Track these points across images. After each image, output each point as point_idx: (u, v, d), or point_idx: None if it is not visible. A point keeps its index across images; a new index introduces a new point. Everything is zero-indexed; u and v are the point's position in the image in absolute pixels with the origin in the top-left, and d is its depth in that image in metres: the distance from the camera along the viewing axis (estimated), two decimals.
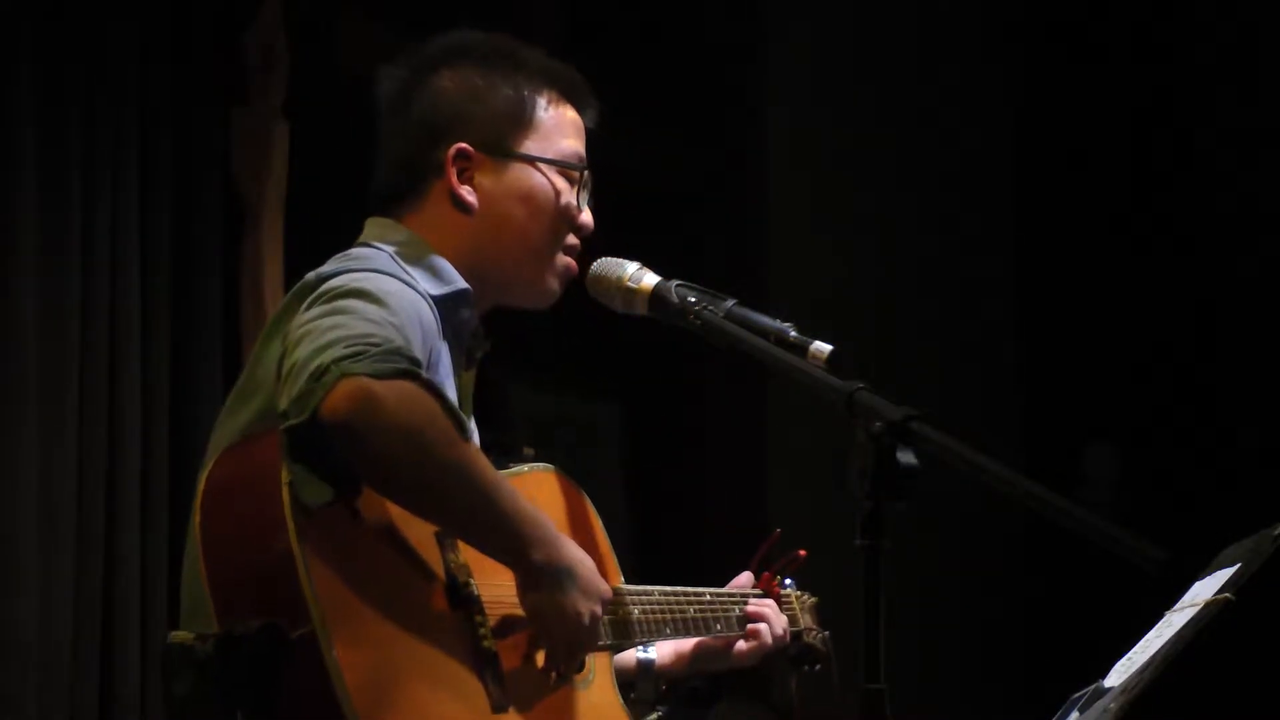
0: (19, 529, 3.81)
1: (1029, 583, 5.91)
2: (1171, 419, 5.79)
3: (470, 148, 2.52)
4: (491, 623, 2.32)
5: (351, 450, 2.13)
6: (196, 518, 2.22)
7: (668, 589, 2.71)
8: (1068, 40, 6.07)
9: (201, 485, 2.23)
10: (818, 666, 3.04)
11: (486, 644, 2.30)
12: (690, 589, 2.77)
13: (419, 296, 2.39)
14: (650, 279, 2.56)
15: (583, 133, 2.61)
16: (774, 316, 2.44)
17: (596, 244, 2.62)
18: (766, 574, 2.95)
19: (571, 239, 2.59)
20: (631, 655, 2.82)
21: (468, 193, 2.52)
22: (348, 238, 2.56)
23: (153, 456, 4.04)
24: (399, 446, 2.14)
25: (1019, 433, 5.96)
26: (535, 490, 2.50)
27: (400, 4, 4.61)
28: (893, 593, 2.00)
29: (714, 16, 5.61)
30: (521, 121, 2.55)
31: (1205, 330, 5.75)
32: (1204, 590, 2.43)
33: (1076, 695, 2.46)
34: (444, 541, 2.30)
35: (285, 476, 2.13)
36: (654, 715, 2.87)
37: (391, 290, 2.32)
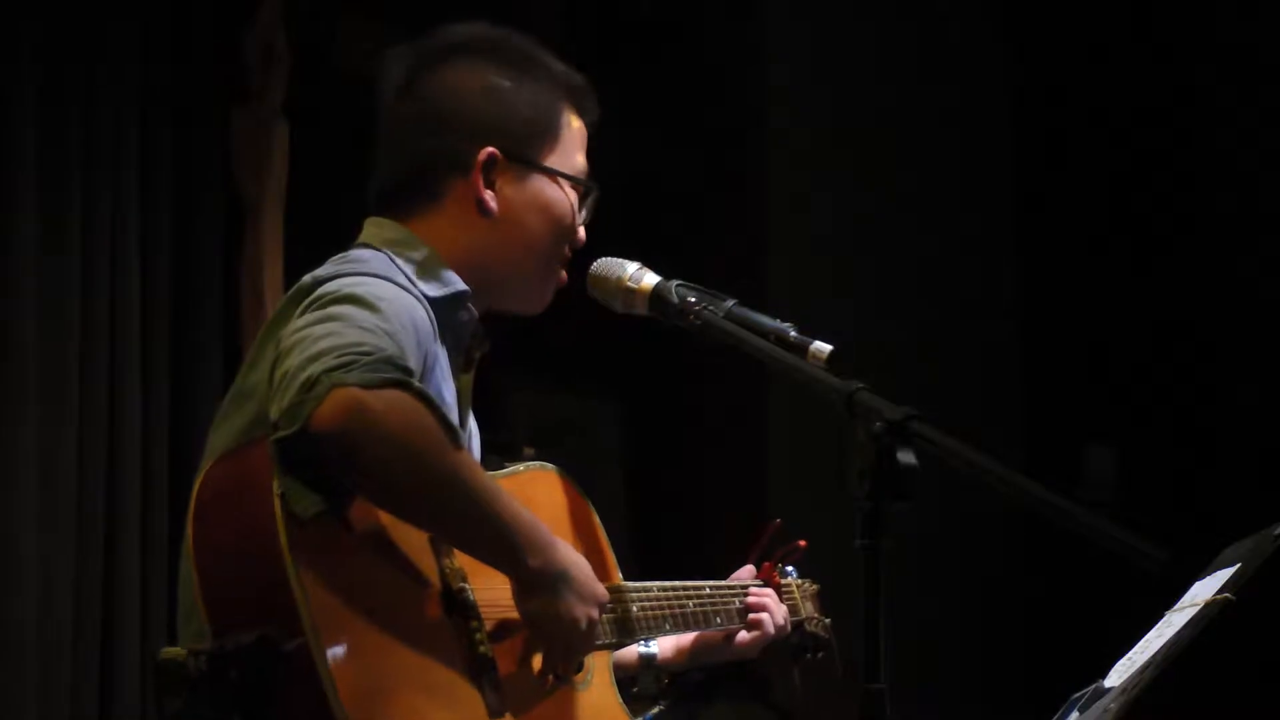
0: (19, 529, 3.81)
1: (1029, 583, 5.91)
2: (1171, 419, 5.79)
3: (500, 154, 2.50)
4: (488, 627, 2.31)
5: (343, 461, 2.12)
6: (189, 529, 2.20)
7: (666, 584, 2.71)
8: (1068, 40, 6.07)
9: (193, 497, 2.22)
10: (820, 654, 3.04)
11: (483, 649, 2.29)
12: (689, 583, 2.77)
13: (414, 300, 2.38)
14: (650, 279, 2.56)
15: (585, 143, 2.61)
16: (774, 316, 2.44)
17: (597, 243, 2.62)
18: (767, 564, 2.95)
19: (567, 251, 2.59)
20: (633, 650, 2.81)
21: (490, 198, 2.50)
22: (348, 238, 2.55)
23: (153, 456, 4.05)
24: (390, 457, 2.13)
25: (1019, 433, 5.96)
26: (533, 489, 2.50)
27: (400, 4, 4.61)
28: (893, 593, 2.00)
29: (714, 16, 5.61)
30: (547, 133, 2.54)
31: (1205, 330, 5.75)
32: (1204, 590, 2.43)
33: (1076, 695, 2.46)
34: (438, 547, 2.29)
35: (277, 488, 2.12)
36: (655, 709, 2.87)
37: (385, 295, 2.31)
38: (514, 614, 2.32)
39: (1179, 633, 2.35)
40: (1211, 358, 5.73)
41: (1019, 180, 6.16)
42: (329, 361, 2.12)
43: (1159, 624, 2.45)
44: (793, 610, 2.96)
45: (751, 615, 2.86)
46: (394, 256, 2.45)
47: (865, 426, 2.05)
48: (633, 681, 2.79)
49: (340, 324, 2.21)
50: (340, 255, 2.45)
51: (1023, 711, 3.27)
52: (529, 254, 2.54)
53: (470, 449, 2.52)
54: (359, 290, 2.29)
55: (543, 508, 2.41)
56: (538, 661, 2.37)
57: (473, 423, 2.57)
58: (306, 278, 2.37)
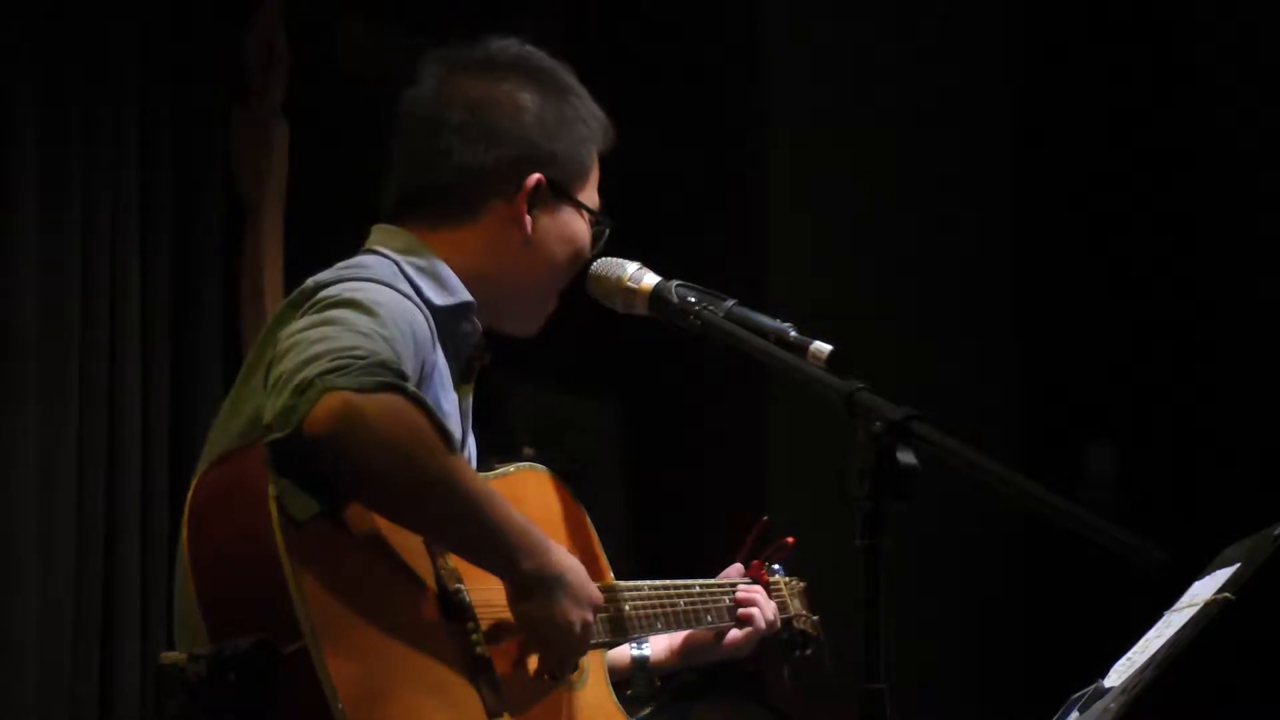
0: (19, 529, 3.81)
1: (1029, 583, 5.91)
2: (1171, 419, 5.79)
3: (545, 183, 2.52)
4: (484, 628, 2.31)
5: (336, 464, 2.12)
6: (184, 534, 2.20)
7: (657, 583, 2.71)
8: (1068, 39, 6.07)
9: (188, 501, 2.22)
10: (809, 651, 3.05)
11: (479, 650, 2.29)
12: (679, 581, 2.77)
13: (414, 307, 2.38)
14: (650, 279, 2.56)
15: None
16: (774, 316, 2.44)
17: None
18: (755, 562, 2.95)
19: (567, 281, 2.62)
20: (625, 653, 2.82)
21: (529, 224, 2.51)
22: (347, 238, 2.55)
23: (153, 456, 4.05)
24: (383, 460, 2.13)
25: (1019, 433, 5.96)
26: (523, 490, 2.50)
27: (401, 4, 4.61)
28: (893, 593, 2.00)
29: (714, 16, 5.61)
30: (583, 169, 2.57)
31: (1205, 330, 5.75)
32: (1204, 590, 2.43)
33: (1076, 695, 2.46)
34: (433, 550, 2.29)
35: (272, 490, 2.12)
36: (646, 710, 2.87)
37: (384, 301, 2.31)
38: (509, 615, 2.32)
39: (1179, 633, 2.35)
40: (1211, 358, 5.73)
41: (1019, 180, 6.16)
42: (323, 365, 2.12)
43: (1159, 624, 2.45)
44: (781, 607, 2.96)
45: (741, 611, 2.86)
46: (401, 264, 2.45)
47: (865, 426, 2.05)
48: (626, 684, 2.79)
49: (337, 328, 2.21)
50: (346, 261, 2.45)
51: (1023, 711, 3.27)
52: (545, 281, 2.57)
53: (468, 460, 2.52)
54: (358, 295, 2.29)
55: (534, 509, 2.41)
56: (534, 662, 2.37)
57: (470, 441, 2.57)
58: (309, 281, 2.37)
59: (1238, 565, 2.42)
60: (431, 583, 2.28)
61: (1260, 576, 2.40)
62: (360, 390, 2.10)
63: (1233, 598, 2.37)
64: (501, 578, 2.29)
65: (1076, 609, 5.57)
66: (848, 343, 2.38)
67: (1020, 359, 6.11)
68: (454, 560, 2.30)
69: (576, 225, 2.57)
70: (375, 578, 2.21)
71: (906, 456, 2.02)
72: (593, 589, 2.37)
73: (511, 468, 2.57)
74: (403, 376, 2.17)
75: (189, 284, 4.19)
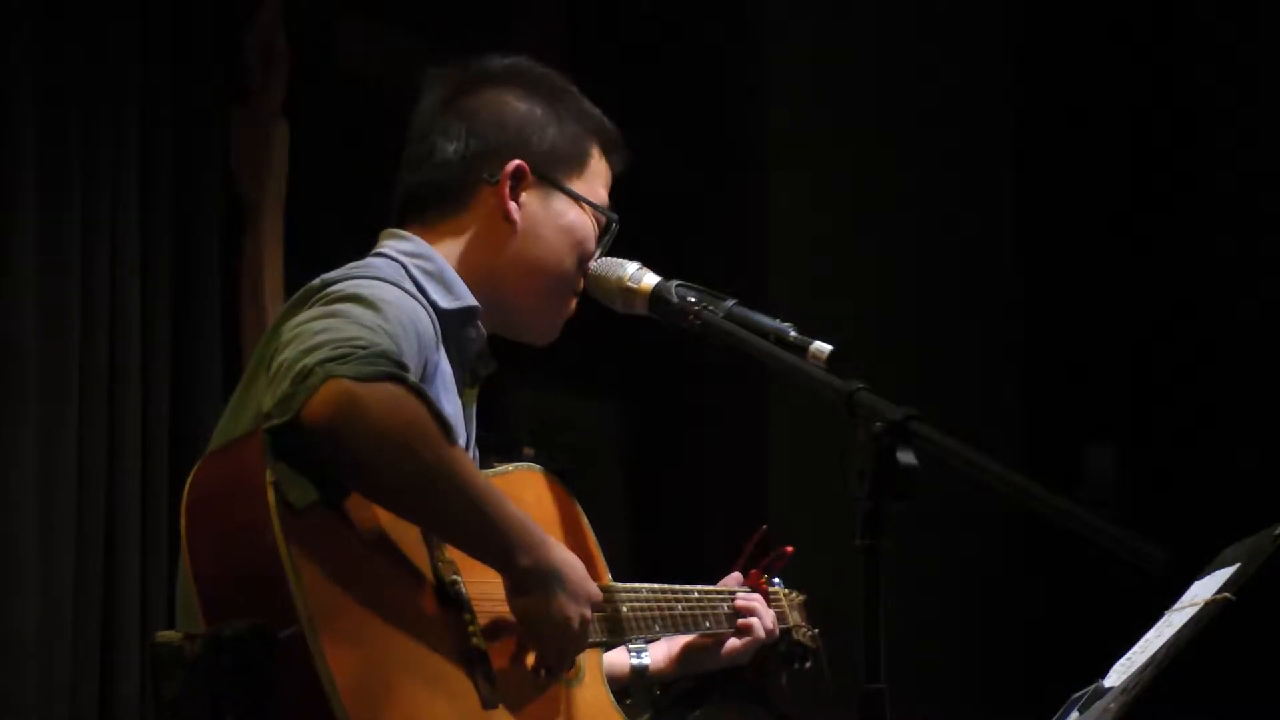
0: (19, 529, 3.81)
1: (1029, 583, 5.91)
2: (1171, 419, 5.79)
3: (527, 169, 2.55)
4: (481, 622, 2.31)
5: (334, 453, 2.12)
6: (182, 525, 2.21)
7: (656, 586, 2.72)
8: (1068, 38, 6.07)
9: (186, 493, 2.22)
10: (808, 664, 3.05)
11: (476, 642, 2.30)
12: (678, 586, 2.77)
13: (419, 306, 2.40)
14: (650, 279, 2.57)
15: (609, 184, 2.66)
16: (774, 316, 2.44)
17: None
18: (754, 571, 2.95)
19: (580, 283, 2.61)
20: (625, 662, 2.82)
21: (515, 209, 2.55)
22: (348, 238, 2.56)
23: (152, 456, 4.05)
24: (381, 450, 2.13)
25: (1019, 433, 5.96)
26: (521, 490, 2.50)
27: (401, 4, 4.61)
28: (893, 593, 2.00)
29: (714, 16, 5.61)
30: (575, 161, 2.60)
31: (1205, 331, 5.75)
32: (1204, 590, 2.43)
33: (1076, 695, 2.46)
34: (431, 542, 2.29)
35: (269, 476, 2.12)
36: (644, 717, 2.87)
37: (389, 298, 2.32)
38: (507, 611, 2.32)
39: (1179, 633, 2.35)
40: (1211, 358, 5.73)
41: (1019, 180, 6.16)
42: (324, 353, 2.13)
43: (1159, 624, 2.45)
44: (780, 618, 2.96)
45: (740, 620, 2.87)
46: (408, 266, 2.47)
47: (865, 426, 2.05)
48: (625, 693, 2.79)
49: (340, 320, 2.22)
50: (353, 263, 2.47)
51: (1023, 711, 3.27)
52: (545, 272, 2.57)
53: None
54: (363, 291, 2.31)
55: (531, 509, 2.41)
56: (531, 658, 2.37)
57: (473, 450, 2.58)
58: (316, 280, 2.39)
59: (1238, 565, 2.42)
60: (429, 574, 2.28)
61: (1260, 576, 2.40)
62: (360, 379, 2.11)
63: (1233, 598, 2.37)
64: (499, 572, 2.30)
65: (1076, 609, 5.57)
66: (848, 343, 2.38)
67: (1020, 359, 6.11)
68: (452, 553, 2.30)
69: (573, 215, 2.58)
70: (372, 567, 2.21)
71: (906, 456, 2.02)
72: (590, 585, 2.37)
73: (510, 467, 2.57)
74: (404, 368, 2.18)
75: (189, 284, 4.19)
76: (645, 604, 2.67)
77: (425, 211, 2.56)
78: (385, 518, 2.23)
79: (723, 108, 5.63)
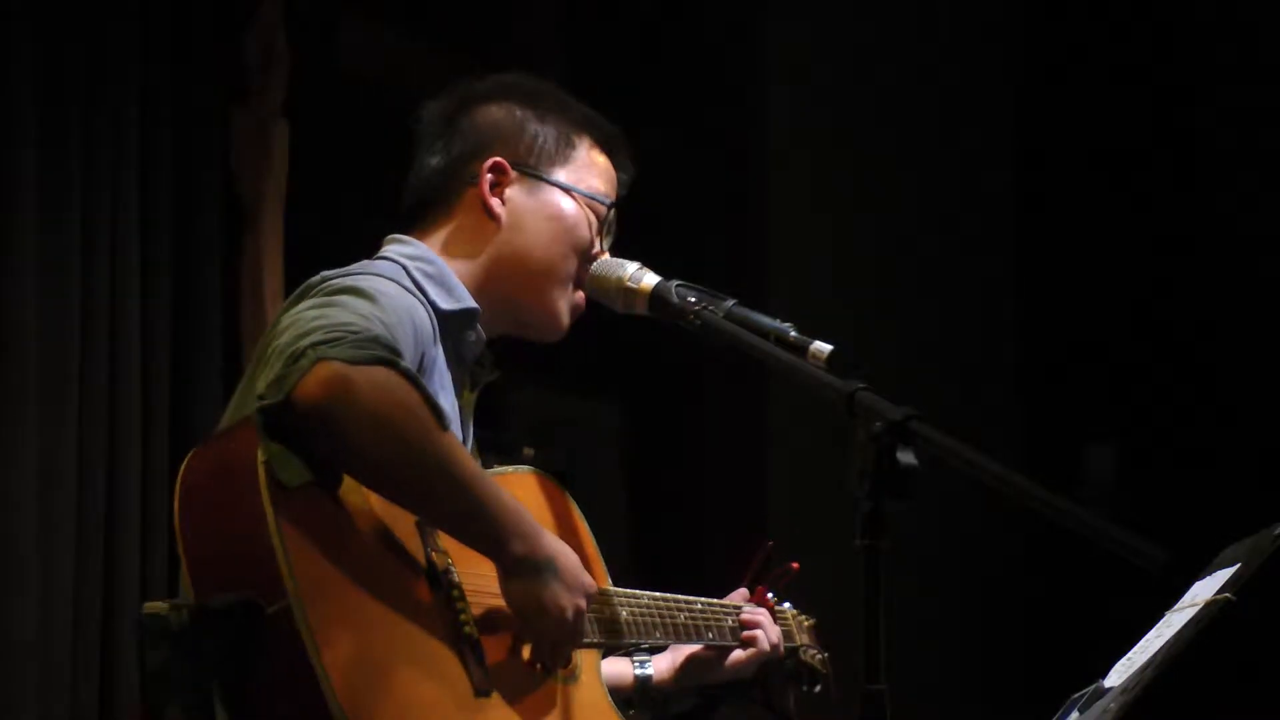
0: (19, 529, 3.81)
1: (1029, 583, 5.91)
2: (1171, 420, 5.78)
3: (506, 162, 2.59)
4: (475, 612, 2.31)
5: (325, 434, 2.13)
6: (175, 510, 2.22)
7: (657, 594, 2.71)
8: (1068, 39, 6.07)
9: (179, 481, 2.23)
10: (817, 687, 3.04)
11: (468, 630, 2.29)
12: (681, 596, 2.77)
13: (417, 302, 2.42)
14: (650, 279, 2.57)
15: (614, 182, 2.68)
16: (774, 316, 2.44)
17: None
18: (761, 588, 2.94)
19: (580, 273, 2.62)
20: (629, 672, 2.82)
21: (497, 204, 2.57)
22: (348, 238, 2.57)
23: (153, 456, 4.04)
24: (372, 432, 2.14)
25: (1019, 433, 5.95)
26: (518, 491, 2.49)
27: (401, 4, 4.61)
28: (893, 593, 2.00)
29: (714, 15, 5.60)
30: (559, 153, 2.63)
31: (1206, 330, 5.75)
32: (1204, 590, 2.43)
33: (1076, 695, 2.46)
34: (424, 529, 2.30)
35: (261, 455, 2.13)
36: None
37: (387, 291, 2.34)
38: (501, 602, 2.32)
39: (1179, 633, 2.35)
40: (1211, 358, 5.73)
41: (1019, 180, 6.16)
42: (317, 337, 2.15)
43: (1159, 624, 2.45)
44: (787, 637, 2.96)
45: (746, 633, 2.86)
46: (409, 268, 2.50)
47: (865, 426, 2.05)
48: (629, 705, 2.79)
49: (335, 309, 2.24)
50: (355, 264, 2.50)
51: (1023, 711, 3.27)
52: (539, 263, 2.58)
53: None
54: (360, 283, 2.34)
55: (529, 510, 2.41)
56: (526, 651, 2.37)
57: (471, 446, 2.58)
58: (316, 276, 2.40)
59: (1238, 565, 2.42)
60: (422, 560, 2.28)
61: (1260, 576, 2.40)
62: (352, 362, 2.12)
63: (1233, 598, 2.37)
64: (491, 559, 2.30)
65: (1076, 609, 5.56)
66: (848, 342, 2.38)
67: (1020, 360, 6.11)
68: (446, 542, 2.30)
69: (562, 203, 2.60)
70: (364, 549, 2.21)
71: (906, 456, 2.02)
72: (585, 576, 2.37)
73: (508, 469, 2.57)
74: (396, 353, 2.19)
75: (189, 284, 4.18)
76: (645, 610, 2.67)
77: (421, 217, 2.61)
78: (379, 504, 2.23)
79: (723, 108, 5.62)
